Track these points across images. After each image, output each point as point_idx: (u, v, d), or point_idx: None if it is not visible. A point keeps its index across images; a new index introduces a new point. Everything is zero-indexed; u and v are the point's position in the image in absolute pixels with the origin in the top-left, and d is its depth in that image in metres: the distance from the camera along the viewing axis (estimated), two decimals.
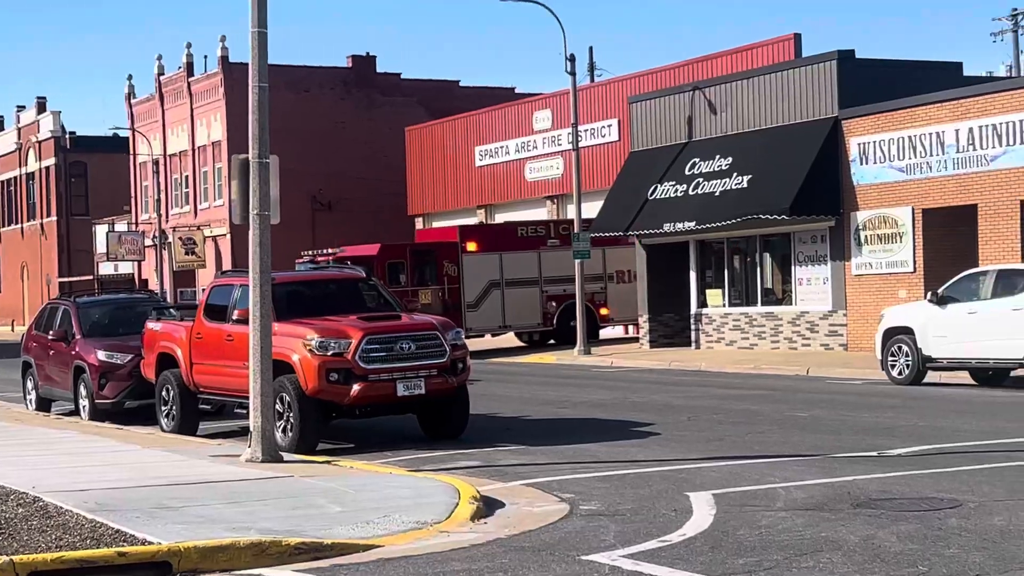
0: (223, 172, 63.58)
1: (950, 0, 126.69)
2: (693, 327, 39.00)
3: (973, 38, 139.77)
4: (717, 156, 37.13)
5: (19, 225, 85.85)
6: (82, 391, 21.83)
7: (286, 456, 15.48)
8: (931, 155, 32.31)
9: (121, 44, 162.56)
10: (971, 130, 31.33)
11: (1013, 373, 25.52)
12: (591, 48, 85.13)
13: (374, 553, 10.31)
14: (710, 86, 38.62)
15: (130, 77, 72.18)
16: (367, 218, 61.94)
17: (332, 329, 17.00)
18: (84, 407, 21.84)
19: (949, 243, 32.21)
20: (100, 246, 71.64)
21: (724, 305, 38.25)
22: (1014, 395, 23.20)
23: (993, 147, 30.90)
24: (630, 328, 43.33)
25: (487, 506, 12.32)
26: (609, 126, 47.95)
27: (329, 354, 16.75)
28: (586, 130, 48.55)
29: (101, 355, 21.44)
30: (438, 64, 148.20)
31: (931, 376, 26.24)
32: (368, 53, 66.38)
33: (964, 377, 26.06)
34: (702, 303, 38.87)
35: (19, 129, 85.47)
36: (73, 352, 22.09)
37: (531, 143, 52.30)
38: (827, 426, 18.50)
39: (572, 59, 39.80)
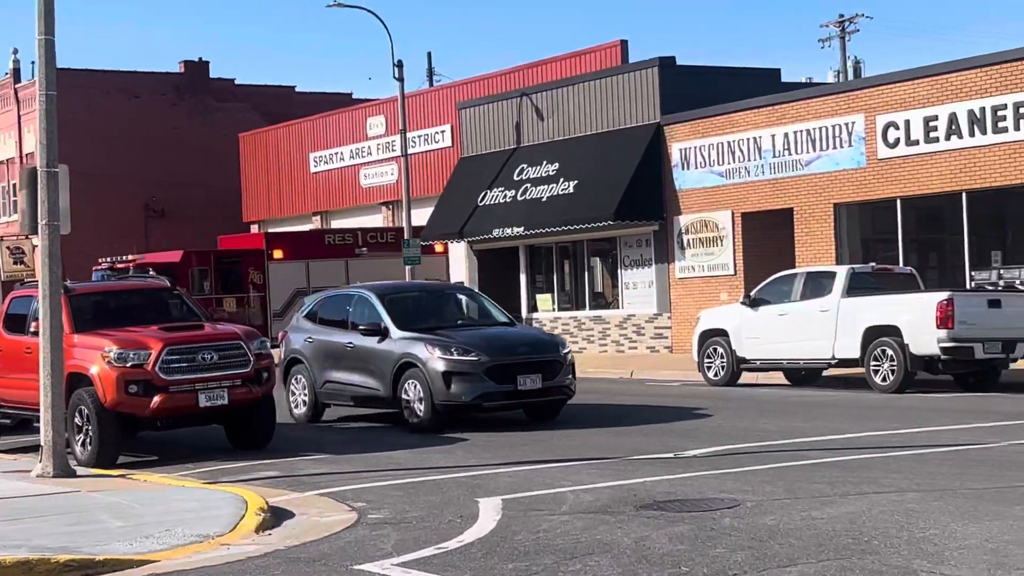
0: None
1: (779, 8, 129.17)
2: None
3: (802, 45, 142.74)
4: (544, 162, 37.49)
5: None
6: None
7: (80, 471, 15.25)
8: (749, 160, 32.99)
9: None
10: (787, 135, 32.08)
11: (825, 373, 26.18)
12: (429, 54, 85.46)
13: (147, 568, 10.21)
14: (538, 92, 38.98)
15: None
16: (202, 225, 61.07)
17: (131, 340, 16.78)
18: None
19: (768, 246, 32.91)
20: None
21: (553, 309, 38.62)
22: (821, 395, 23.78)
23: (808, 152, 31.67)
24: None
25: (276, 517, 12.26)
26: (442, 132, 47.96)
27: (128, 366, 16.53)
28: (420, 136, 48.62)
29: None
30: (275, 70, 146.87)
31: (747, 377, 26.80)
32: (200, 58, 65.66)
33: (779, 378, 26.66)
34: (532, 308, 39.20)
35: None
36: None
37: (365, 149, 52.17)
38: (632, 428, 18.78)
39: (400, 65, 39.81)
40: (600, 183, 35.31)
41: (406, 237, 39.27)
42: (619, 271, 36.77)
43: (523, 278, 39.28)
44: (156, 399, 16.55)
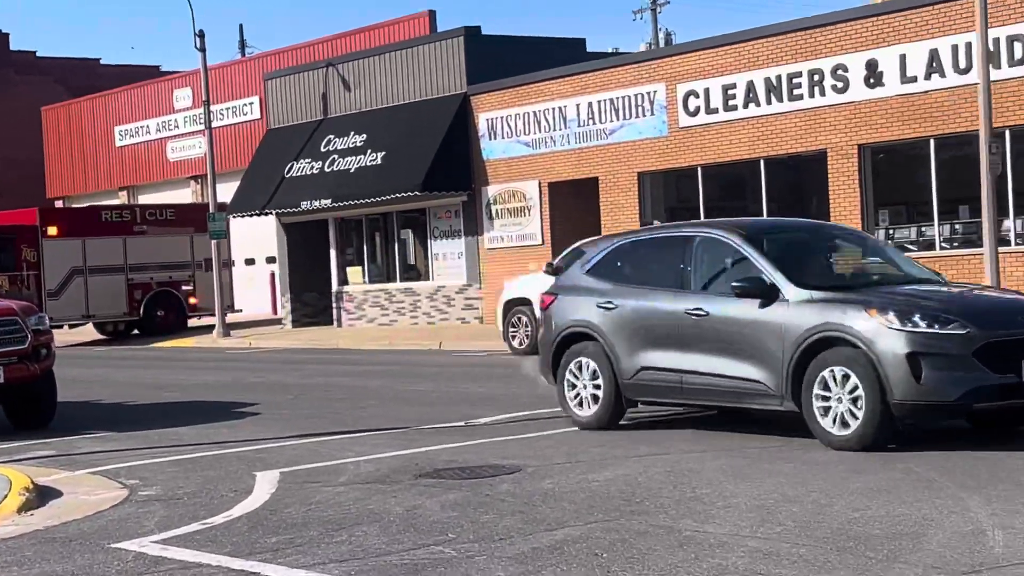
0: None
1: None
2: (335, 305, 38.90)
3: (615, 17, 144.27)
4: (352, 133, 37.09)
5: None
6: None
7: None
8: (555, 130, 33.05)
9: None
10: (591, 105, 32.20)
11: None
12: (241, 25, 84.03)
13: None
14: (344, 62, 38.52)
15: None
16: (7, 202, 59.30)
17: None
18: None
19: (575, 215, 33.02)
20: None
21: (364, 282, 38.28)
22: None
23: (611, 121, 31.83)
24: (280, 308, 42.66)
25: (42, 496, 11.79)
26: (251, 104, 47.33)
27: None
28: (228, 108, 47.88)
29: None
30: (79, 42, 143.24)
31: None
32: (0, 30, 63.70)
33: None
34: (343, 281, 38.80)
35: None
36: None
37: (172, 122, 51.20)
38: (431, 398, 18.64)
39: (201, 35, 38.95)
40: (408, 154, 35.05)
41: (211, 211, 38.48)
42: (429, 242, 36.59)
43: (333, 251, 38.83)
44: None
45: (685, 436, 13.62)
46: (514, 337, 26.59)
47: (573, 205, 33.14)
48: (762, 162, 29.17)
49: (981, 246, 23.54)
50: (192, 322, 41.64)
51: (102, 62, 65.61)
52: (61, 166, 56.18)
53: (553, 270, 26.09)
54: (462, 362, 25.45)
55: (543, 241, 33.25)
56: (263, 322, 41.99)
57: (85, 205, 45.82)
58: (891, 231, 27.56)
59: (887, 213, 28.04)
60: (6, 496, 11.49)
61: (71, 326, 41.12)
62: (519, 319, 26.48)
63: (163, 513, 10.79)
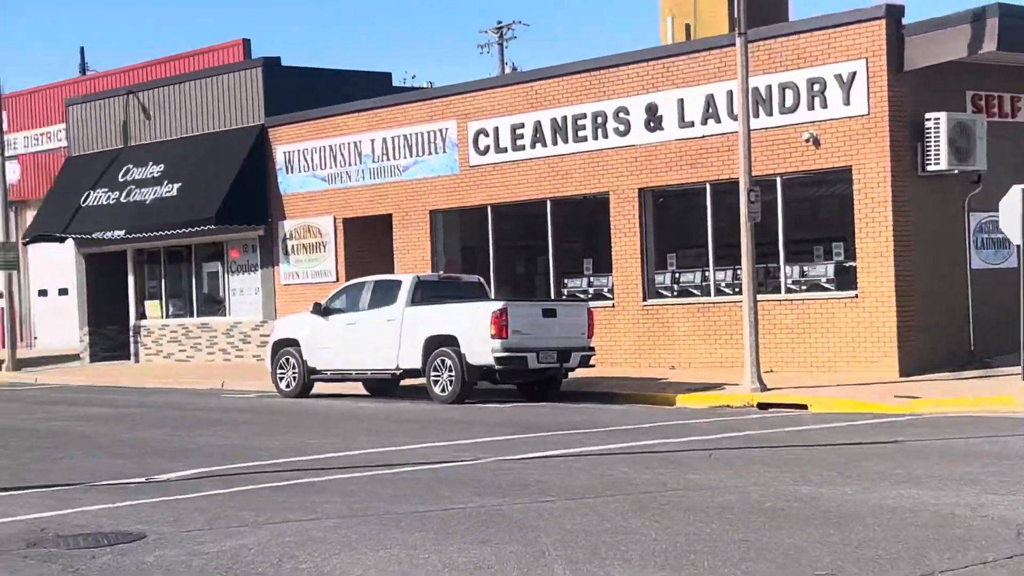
0: None
1: (444, 14, 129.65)
2: (132, 340, 37.82)
3: (464, 51, 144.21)
4: (150, 163, 36.14)
5: None
6: None
7: None
8: (350, 164, 32.44)
9: None
10: (385, 140, 31.64)
11: (405, 383, 25.68)
12: (82, 48, 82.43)
13: None
14: (146, 90, 37.58)
15: None
16: None
17: None
18: None
19: (369, 252, 32.44)
20: None
21: (162, 316, 37.27)
22: (379, 406, 23.36)
23: (405, 158, 31.29)
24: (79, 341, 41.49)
25: None
26: (62, 131, 45.96)
27: None
28: (40, 134, 46.53)
29: None
30: None
31: (324, 387, 26.17)
32: None
33: (359, 388, 26.11)
34: (141, 314, 37.76)
35: None
36: None
37: None
38: (146, 448, 17.72)
39: None
40: (203, 186, 34.20)
41: (2, 239, 37.24)
42: (226, 276, 35.72)
43: (131, 283, 37.76)
44: None
45: (348, 493, 12.99)
46: (282, 378, 25.86)
47: (367, 241, 32.53)
48: (549, 202, 28.80)
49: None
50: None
51: None
52: None
53: (323, 310, 25.51)
54: (225, 405, 24.61)
55: (337, 277, 32.54)
56: (64, 357, 40.59)
57: None
58: (677, 275, 27.29)
59: (674, 257, 27.77)
60: None
61: None
62: (287, 360, 25.75)
63: None
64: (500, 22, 72.23)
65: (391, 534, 11.00)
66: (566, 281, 29.05)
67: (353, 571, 9.67)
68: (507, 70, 70.86)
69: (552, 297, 28.02)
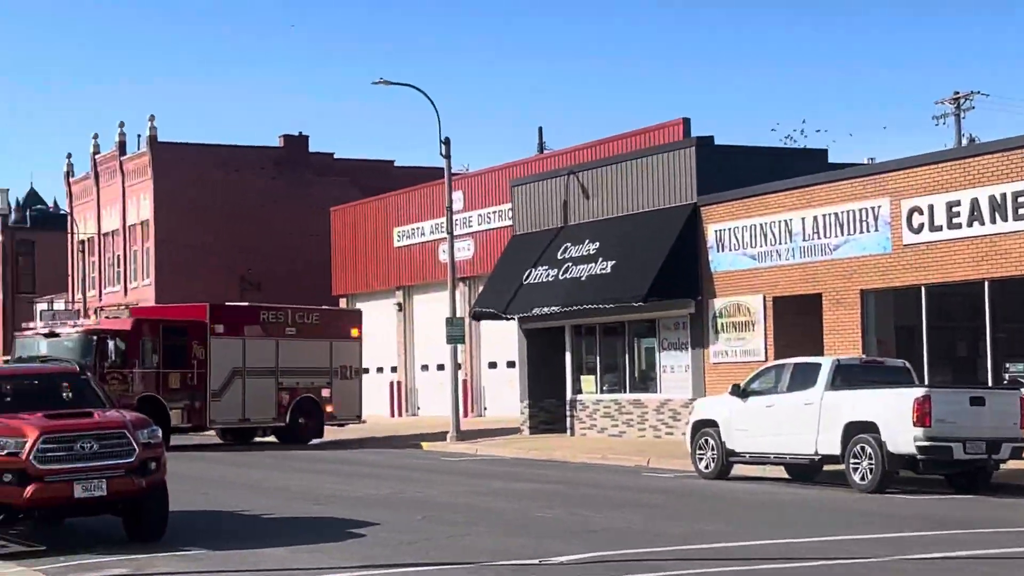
0: (151, 252, 63.61)
1: (891, 85, 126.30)
2: (568, 413, 38.65)
3: (917, 122, 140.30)
4: (587, 241, 36.97)
5: None
6: None
7: None
8: (780, 243, 32.09)
9: (64, 120, 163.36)
10: (816, 219, 31.13)
11: (826, 468, 24.99)
12: (540, 128, 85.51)
13: None
14: (585, 170, 38.54)
15: (69, 156, 72.70)
16: (295, 298, 61.63)
17: (9, 427, 16.56)
18: None
19: (799, 331, 31.87)
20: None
21: (596, 391, 37.90)
22: (796, 492, 22.78)
23: (836, 236, 30.67)
24: (519, 413, 42.44)
25: None
26: (510, 209, 47.72)
27: (4, 454, 16.27)
28: (493, 212, 48.52)
29: None
30: (374, 144, 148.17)
31: (744, 470, 25.86)
32: (300, 133, 66.53)
33: (780, 471, 25.62)
34: (577, 389, 38.53)
35: None
36: None
37: (444, 224, 52.05)
38: (550, 527, 17.98)
39: (447, 142, 39.70)
40: (636, 263, 34.65)
41: (448, 315, 38.93)
42: (658, 354, 35.95)
43: (568, 358, 38.61)
44: (29, 489, 16.25)
45: None
46: (701, 459, 25.71)
47: (796, 321, 31.97)
48: (987, 283, 27.48)
49: None
50: (328, 431, 40.52)
51: (396, 164, 67.57)
52: (345, 264, 57.91)
53: (742, 392, 25.26)
54: (641, 485, 24.67)
55: (766, 357, 32.09)
56: (507, 429, 41.53)
57: (246, 304, 43.80)
58: None
59: None
60: None
61: (230, 432, 39.56)
62: (706, 441, 25.60)
63: None
64: (957, 92, 69.78)
65: None
66: (1007, 365, 27.57)
67: None
68: (964, 142, 68.37)
69: (990, 383, 26.62)
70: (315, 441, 39.82)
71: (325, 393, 40.20)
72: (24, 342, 36.57)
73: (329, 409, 40.32)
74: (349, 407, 41.31)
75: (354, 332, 41.66)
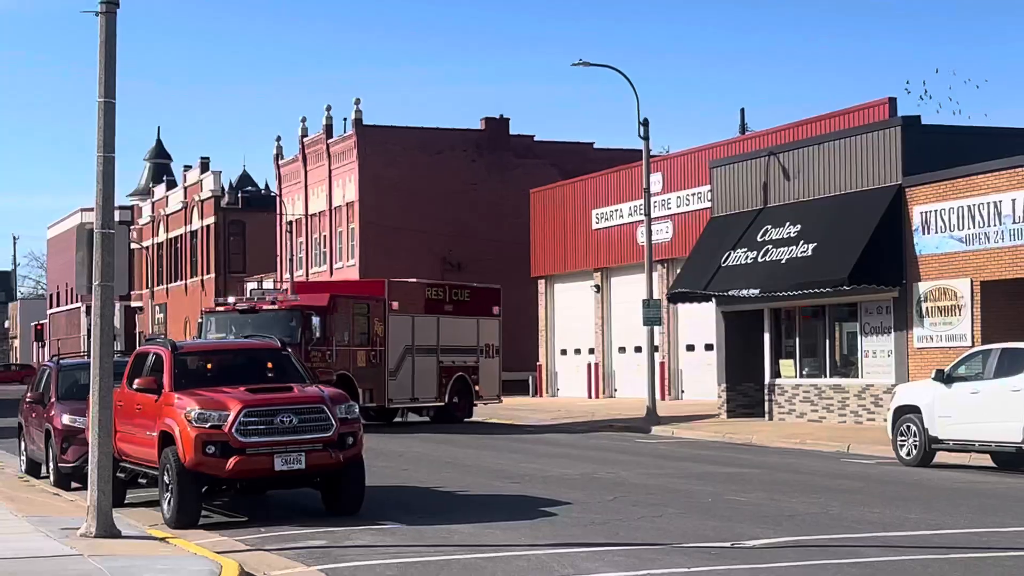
0: (356, 233, 64.72)
1: None
2: (767, 398, 38.13)
3: None
4: (787, 223, 36.38)
5: (183, 282, 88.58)
6: (50, 454, 22.23)
7: (125, 531, 15.56)
8: (989, 225, 31.11)
9: (273, 104, 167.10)
10: None
11: None
12: (743, 109, 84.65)
13: None
14: (786, 151, 37.91)
15: (278, 139, 74.32)
16: (494, 279, 62.05)
17: (213, 401, 17.01)
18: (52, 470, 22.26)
19: (1008, 317, 30.87)
20: None
21: (796, 376, 37.31)
22: (1003, 481, 22.02)
23: None
24: (717, 396, 41.96)
25: None
26: (709, 190, 47.26)
27: (207, 426, 16.74)
28: (692, 194, 48.20)
29: (66, 419, 21.74)
30: (574, 127, 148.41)
31: (948, 457, 25.17)
32: (501, 115, 66.78)
33: (986, 460, 24.86)
34: (776, 373, 37.97)
35: (185, 188, 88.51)
36: (46, 415, 22.54)
37: (642, 206, 51.78)
38: (741, 512, 17.76)
39: (646, 123, 39.49)
40: (837, 246, 33.95)
41: (645, 297, 38.73)
42: (859, 338, 35.19)
43: (767, 341, 38.06)
44: (232, 461, 16.70)
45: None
46: (902, 446, 25.08)
47: (1007, 305, 30.97)
48: None
49: None
50: (477, 410, 39.89)
51: (595, 146, 67.47)
52: (544, 246, 58.05)
53: (945, 377, 24.58)
54: (840, 471, 24.18)
55: (972, 342, 31.13)
56: (703, 413, 41.07)
57: (413, 280, 42.63)
58: None
59: None
60: None
61: (373, 411, 37.15)
62: (908, 427, 24.97)
63: None
64: None
65: None
66: None
67: None
68: None
69: None
70: (472, 419, 39.44)
71: (474, 373, 39.47)
72: (216, 319, 35.12)
73: (477, 388, 39.65)
74: (491, 386, 40.66)
75: (495, 309, 41.01)
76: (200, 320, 36.62)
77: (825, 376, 36.26)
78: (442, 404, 38.82)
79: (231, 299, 36.24)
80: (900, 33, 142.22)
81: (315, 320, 34.36)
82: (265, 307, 34.67)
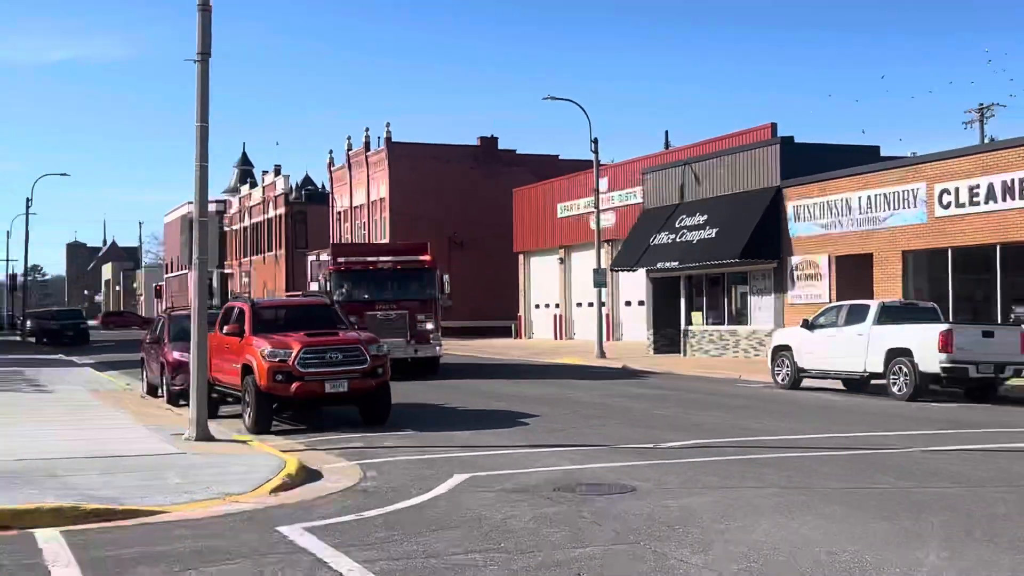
0: (387, 220, 64.33)
1: (934, 98, 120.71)
2: (682, 340, 38.07)
3: (951, 125, 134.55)
4: (697, 214, 36.24)
5: (263, 255, 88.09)
6: (163, 380, 22.16)
7: (218, 435, 15.48)
8: (842, 216, 31.04)
9: (328, 125, 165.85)
10: (870, 198, 30.02)
11: (873, 382, 24.16)
12: (667, 132, 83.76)
13: (155, 518, 9.98)
14: (696, 162, 37.71)
15: (331, 152, 73.56)
16: (489, 253, 61.99)
17: (280, 342, 16.94)
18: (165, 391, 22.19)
19: (854, 282, 30.85)
20: (308, 271, 72.96)
21: (703, 324, 37.26)
22: (849, 400, 22.03)
23: (884, 211, 29.56)
24: (646, 338, 41.83)
25: (308, 479, 12.08)
26: (640, 190, 47.01)
27: (276, 360, 16.68)
28: (629, 192, 47.83)
29: (175, 355, 21.65)
30: (545, 142, 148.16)
31: (810, 383, 25.16)
32: (492, 135, 66.38)
33: (837, 383, 24.86)
34: (688, 321, 37.92)
35: (263, 187, 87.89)
36: (161, 352, 22.44)
37: (593, 202, 51.51)
38: (660, 422, 17.74)
39: (596, 141, 39.18)
40: (733, 231, 33.88)
41: (595, 267, 38.57)
42: (749, 297, 35.18)
43: (683, 300, 38.03)
44: (294, 385, 16.64)
45: (792, 468, 12.31)
46: (778, 374, 25.07)
47: (853, 274, 30.96)
48: (998, 247, 26.20)
49: None
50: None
51: (560, 157, 67.10)
52: (522, 230, 57.90)
53: (809, 325, 24.53)
54: (734, 392, 24.16)
55: (829, 300, 31.14)
56: (635, 350, 41.12)
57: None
58: None
59: None
60: (270, 479, 11.77)
61: None
62: (783, 360, 24.95)
63: (352, 502, 10.75)
64: (982, 104, 66.62)
65: (814, 505, 10.35)
66: (1013, 307, 26.29)
67: (762, 531, 9.14)
68: (986, 141, 65.27)
69: (999, 321, 25.46)
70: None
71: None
72: (353, 277, 29.19)
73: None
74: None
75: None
76: (326, 276, 30.11)
77: (724, 324, 36.25)
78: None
79: (369, 258, 30.04)
80: (789, 65, 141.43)
81: (445, 277, 30.12)
82: (401, 267, 29.29)
